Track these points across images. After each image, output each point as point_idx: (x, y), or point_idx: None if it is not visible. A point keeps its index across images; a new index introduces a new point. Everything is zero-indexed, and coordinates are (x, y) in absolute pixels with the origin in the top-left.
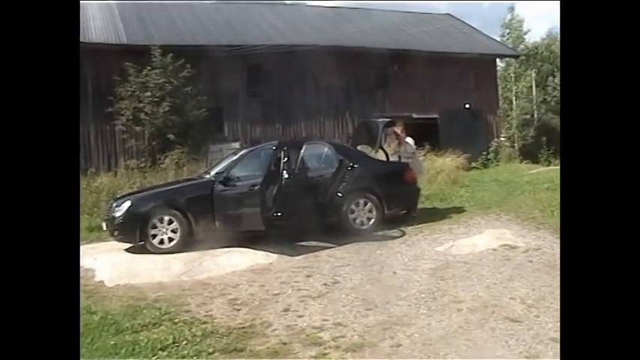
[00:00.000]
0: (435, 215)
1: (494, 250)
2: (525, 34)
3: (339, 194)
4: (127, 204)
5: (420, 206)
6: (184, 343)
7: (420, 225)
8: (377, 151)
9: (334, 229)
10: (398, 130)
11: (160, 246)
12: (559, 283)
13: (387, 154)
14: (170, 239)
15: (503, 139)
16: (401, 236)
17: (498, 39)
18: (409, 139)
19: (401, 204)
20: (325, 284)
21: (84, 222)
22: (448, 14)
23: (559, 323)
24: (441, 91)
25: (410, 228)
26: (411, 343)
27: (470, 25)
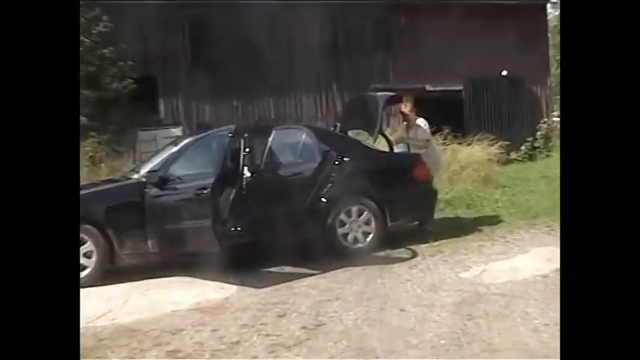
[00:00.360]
0: (459, 228)
1: (545, 276)
2: None
3: (324, 200)
4: None
5: (437, 215)
6: None
7: (439, 242)
8: (376, 139)
9: (317, 249)
10: (406, 108)
11: None
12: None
13: (390, 143)
14: (81, 267)
15: (556, 119)
16: (411, 258)
17: None
18: (421, 121)
19: (410, 212)
20: (304, 327)
21: None
22: None
23: None
24: (468, 52)
25: (424, 246)
26: None
27: None
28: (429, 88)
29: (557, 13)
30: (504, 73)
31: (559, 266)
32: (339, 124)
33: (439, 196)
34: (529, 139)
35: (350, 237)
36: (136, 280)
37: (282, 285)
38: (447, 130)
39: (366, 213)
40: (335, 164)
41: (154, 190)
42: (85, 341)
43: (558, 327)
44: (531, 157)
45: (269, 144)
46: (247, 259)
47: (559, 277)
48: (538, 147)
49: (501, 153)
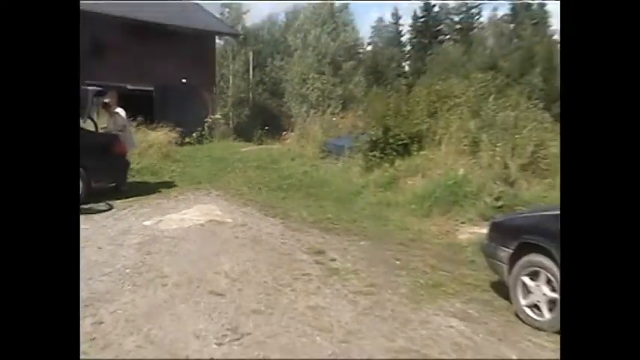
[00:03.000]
0: (145, 189)
1: (202, 225)
2: (244, 14)
3: None
4: None
5: (130, 180)
6: None
7: (129, 199)
8: (85, 121)
9: None
10: (108, 100)
11: None
12: (263, 258)
13: (96, 125)
14: None
15: (218, 116)
16: (108, 210)
17: (218, 16)
18: (120, 110)
19: (109, 177)
20: None
21: None
22: None
23: (261, 296)
24: (159, 63)
25: (118, 202)
26: (114, 320)
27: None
28: (130, 87)
29: (222, 42)
30: (184, 80)
31: (213, 217)
32: None
33: (132, 166)
34: (199, 129)
35: None
36: None
37: None
38: (140, 119)
39: None
40: None
41: None
42: None
43: (210, 259)
44: (200, 142)
45: None
46: None
47: (213, 225)
48: (204, 135)
49: (178, 137)
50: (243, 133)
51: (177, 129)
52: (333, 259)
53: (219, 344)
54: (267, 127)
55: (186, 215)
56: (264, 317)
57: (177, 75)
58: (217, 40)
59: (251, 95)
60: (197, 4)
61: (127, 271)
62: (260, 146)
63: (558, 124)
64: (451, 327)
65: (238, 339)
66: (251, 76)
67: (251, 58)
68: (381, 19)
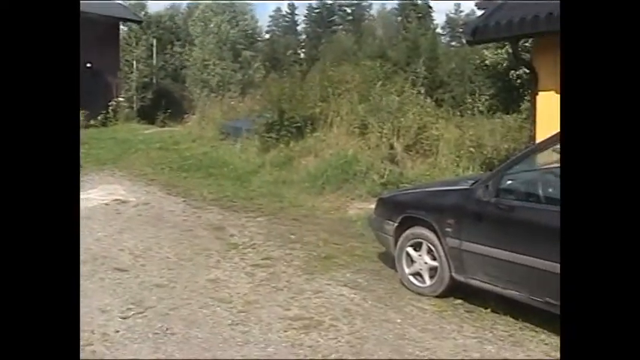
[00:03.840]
0: None
1: (107, 204)
2: (147, 1)
3: None
4: None
5: None
6: None
7: None
8: None
9: None
10: None
11: None
12: (166, 235)
13: None
14: None
15: (122, 99)
16: None
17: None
18: None
19: None
20: None
21: None
22: None
23: (164, 270)
24: None
25: None
26: None
27: None
28: None
29: (126, 28)
30: (89, 65)
31: (117, 197)
32: None
33: None
34: (103, 112)
35: None
36: None
37: None
38: None
39: None
40: None
41: None
42: None
43: (114, 237)
44: (104, 124)
45: None
46: None
47: (117, 204)
48: (109, 118)
49: (83, 120)
50: (146, 116)
51: (83, 111)
52: (232, 235)
53: (124, 318)
54: (169, 111)
55: (90, 195)
56: (166, 291)
57: (81, 59)
58: (121, 27)
59: (154, 80)
60: None
61: None
62: (162, 128)
63: (439, 109)
64: (342, 295)
65: (142, 312)
66: (154, 62)
67: (155, 44)
68: (278, 9)
